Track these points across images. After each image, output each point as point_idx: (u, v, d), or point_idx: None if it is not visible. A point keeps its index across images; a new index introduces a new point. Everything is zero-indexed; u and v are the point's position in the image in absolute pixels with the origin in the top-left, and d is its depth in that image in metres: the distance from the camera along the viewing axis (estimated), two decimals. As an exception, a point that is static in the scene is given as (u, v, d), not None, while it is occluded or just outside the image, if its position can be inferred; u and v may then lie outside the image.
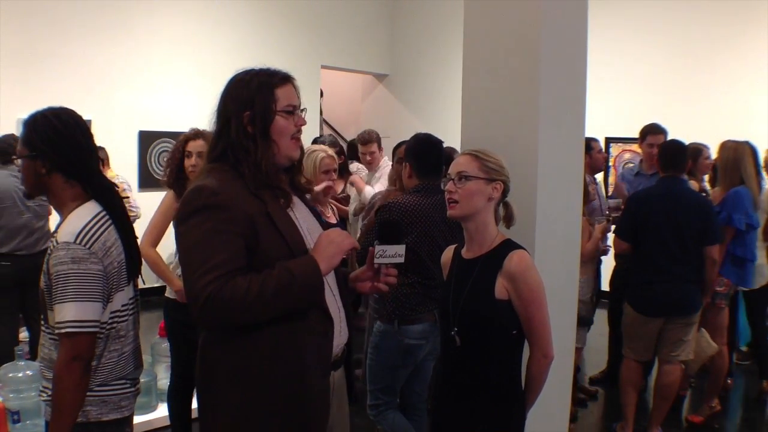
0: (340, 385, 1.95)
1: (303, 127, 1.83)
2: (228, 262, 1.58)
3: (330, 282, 1.81)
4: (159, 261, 3.21)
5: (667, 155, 3.86)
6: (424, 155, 3.14)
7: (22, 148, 1.96)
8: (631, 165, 5.79)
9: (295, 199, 1.85)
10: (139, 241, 2.13)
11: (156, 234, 3.23)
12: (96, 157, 2.02)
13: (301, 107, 1.83)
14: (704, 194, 4.46)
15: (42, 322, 1.97)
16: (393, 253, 1.82)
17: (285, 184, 1.82)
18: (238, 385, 1.69)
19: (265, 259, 1.65)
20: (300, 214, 1.84)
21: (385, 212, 2.99)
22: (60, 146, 1.91)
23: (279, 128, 1.76)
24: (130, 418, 2.04)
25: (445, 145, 3.32)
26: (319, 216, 1.99)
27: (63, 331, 1.79)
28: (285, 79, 1.80)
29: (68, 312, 1.79)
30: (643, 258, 3.76)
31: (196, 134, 3.25)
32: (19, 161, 1.99)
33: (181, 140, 3.26)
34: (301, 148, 1.86)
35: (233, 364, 1.70)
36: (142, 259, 3.10)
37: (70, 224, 1.88)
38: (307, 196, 2.00)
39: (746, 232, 4.12)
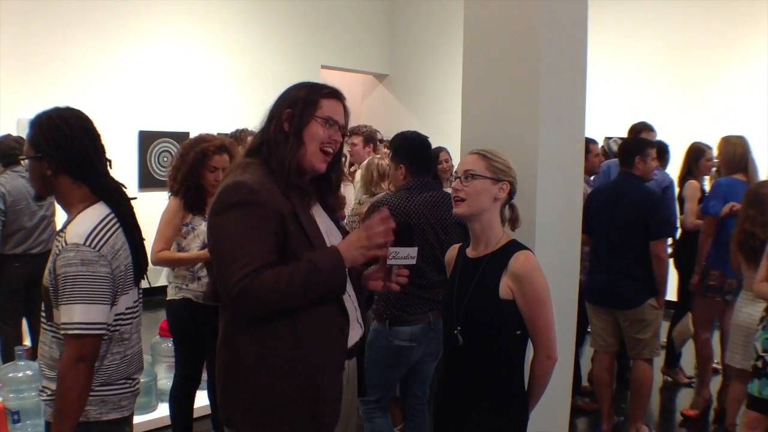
0: (352, 377, 1.99)
1: None
2: (262, 257, 1.68)
3: None
4: (173, 255, 3.15)
5: (620, 151, 3.96)
6: (417, 154, 3.10)
7: (29, 149, 1.96)
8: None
9: (317, 206, 1.93)
10: (149, 253, 2.14)
11: (165, 242, 3.16)
12: (103, 158, 2.00)
13: (346, 132, 1.93)
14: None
15: (43, 320, 1.97)
16: (405, 255, 1.89)
17: (308, 185, 1.88)
18: (260, 371, 1.76)
19: (290, 255, 1.74)
20: (319, 218, 1.92)
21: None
22: (64, 148, 1.90)
23: (312, 132, 1.83)
24: (130, 418, 2.05)
25: (445, 146, 3.32)
26: (338, 222, 2.05)
27: (70, 332, 1.79)
28: (334, 93, 1.89)
29: (76, 314, 1.79)
30: (592, 249, 3.88)
31: (220, 148, 3.16)
32: (25, 162, 1.99)
33: (202, 151, 3.13)
34: (342, 170, 1.95)
35: (257, 352, 1.77)
36: (156, 264, 3.09)
37: (80, 225, 1.87)
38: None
39: (730, 218, 4.04)
